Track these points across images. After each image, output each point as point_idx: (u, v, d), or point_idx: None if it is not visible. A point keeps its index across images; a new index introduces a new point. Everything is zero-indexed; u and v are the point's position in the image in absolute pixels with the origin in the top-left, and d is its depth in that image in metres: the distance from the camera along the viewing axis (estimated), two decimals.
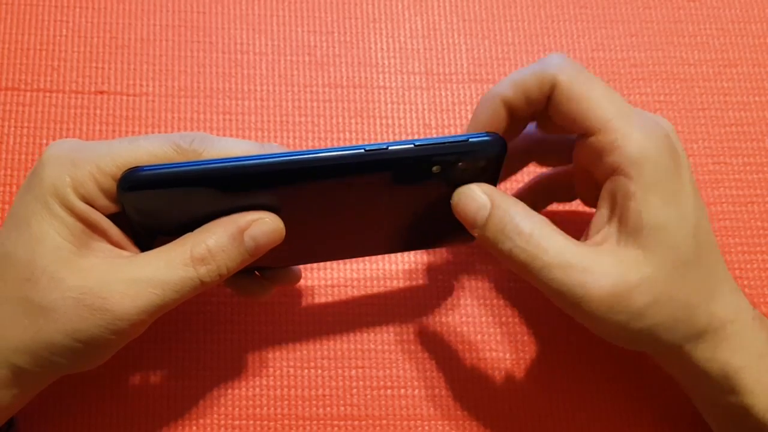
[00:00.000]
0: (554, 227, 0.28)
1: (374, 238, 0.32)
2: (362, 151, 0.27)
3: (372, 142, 0.28)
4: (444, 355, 0.37)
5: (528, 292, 0.38)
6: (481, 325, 0.37)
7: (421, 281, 0.38)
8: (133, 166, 0.27)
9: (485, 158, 0.28)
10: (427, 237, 0.33)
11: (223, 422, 0.35)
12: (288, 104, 0.40)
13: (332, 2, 0.43)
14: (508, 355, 0.37)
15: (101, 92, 0.40)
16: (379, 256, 0.38)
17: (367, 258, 0.38)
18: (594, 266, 0.27)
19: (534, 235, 0.28)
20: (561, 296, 0.27)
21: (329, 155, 0.27)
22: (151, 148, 0.27)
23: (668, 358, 0.30)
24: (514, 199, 0.29)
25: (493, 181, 0.30)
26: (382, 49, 0.42)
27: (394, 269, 0.38)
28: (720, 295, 0.29)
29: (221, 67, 0.41)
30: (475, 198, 0.29)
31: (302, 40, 0.42)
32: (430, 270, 0.38)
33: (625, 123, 0.28)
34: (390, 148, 0.27)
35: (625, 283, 0.27)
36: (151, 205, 0.27)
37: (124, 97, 0.40)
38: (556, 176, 0.36)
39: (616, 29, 0.43)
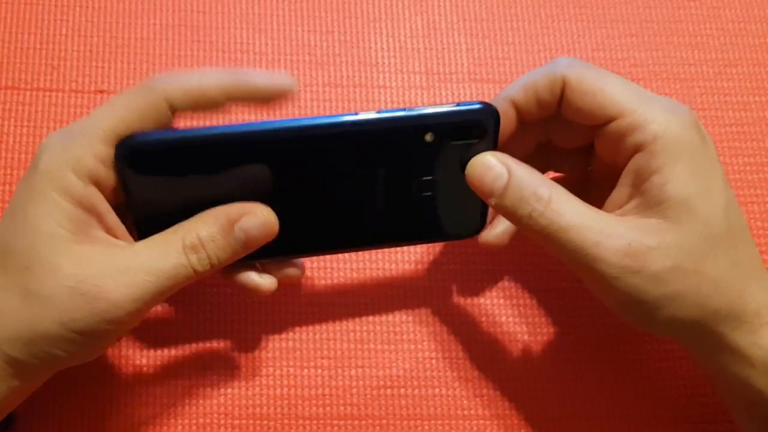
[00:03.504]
0: (570, 193, 0.28)
1: (375, 225, 0.32)
2: (354, 117, 0.27)
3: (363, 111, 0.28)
4: (444, 355, 0.36)
5: (528, 292, 0.38)
6: (482, 326, 0.37)
7: (420, 282, 0.38)
8: (116, 124, 0.27)
9: (479, 129, 0.28)
10: (431, 227, 0.33)
11: (223, 422, 0.35)
12: (288, 104, 0.40)
13: (332, 2, 0.42)
14: (508, 356, 0.37)
15: (101, 91, 0.40)
16: (379, 255, 0.38)
17: (366, 257, 0.38)
18: (610, 228, 0.27)
19: (552, 200, 0.28)
20: (575, 257, 0.27)
21: (322, 122, 0.27)
22: (127, 102, 0.27)
23: (700, 343, 0.29)
24: (529, 166, 0.29)
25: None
26: (382, 48, 0.42)
27: (394, 269, 0.38)
28: (757, 280, 0.28)
29: (221, 66, 0.41)
30: (492, 166, 0.28)
31: (302, 39, 0.42)
32: (430, 272, 0.38)
33: (645, 104, 0.28)
34: (381, 114, 0.27)
35: (642, 245, 0.27)
36: (147, 181, 0.27)
37: None
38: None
39: (616, 29, 0.43)
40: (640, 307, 0.28)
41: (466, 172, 0.29)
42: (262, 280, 0.31)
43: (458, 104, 0.28)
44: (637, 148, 0.28)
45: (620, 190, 0.29)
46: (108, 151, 0.27)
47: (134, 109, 0.27)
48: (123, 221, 0.29)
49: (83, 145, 0.27)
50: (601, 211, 0.28)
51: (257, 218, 0.28)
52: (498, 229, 0.33)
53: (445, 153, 0.28)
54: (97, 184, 0.27)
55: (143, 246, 0.28)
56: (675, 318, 0.28)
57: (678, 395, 0.36)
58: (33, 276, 0.26)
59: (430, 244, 0.38)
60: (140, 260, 0.27)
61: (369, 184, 0.30)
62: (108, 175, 0.27)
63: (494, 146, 0.29)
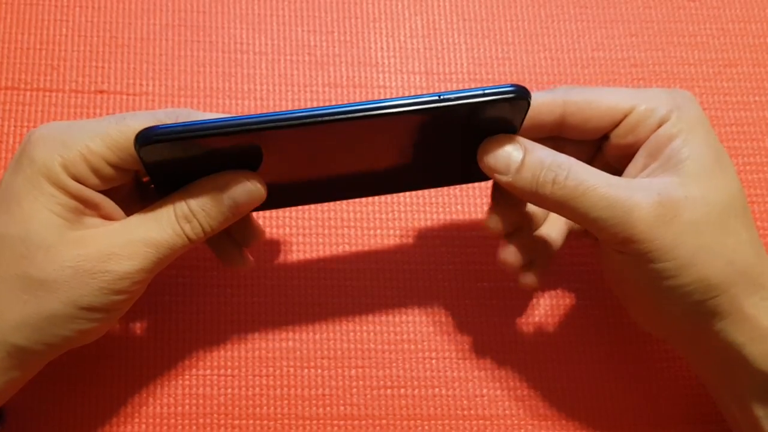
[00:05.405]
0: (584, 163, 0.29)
1: (380, 177, 0.32)
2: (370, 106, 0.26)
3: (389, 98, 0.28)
4: (444, 355, 0.36)
5: (528, 293, 0.38)
6: (481, 326, 0.37)
7: (420, 282, 0.38)
8: (123, 146, 0.27)
9: (510, 110, 0.28)
10: (435, 176, 0.33)
11: (223, 422, 0.35)
12: (288, 104, 0.40)
13: (332, 2, 0.42)
14: (508, 356, 0.37)
15: (101, 92, 0.40)
16: (379, 254, 0.38)
17: (366, 257, 0.38)
18: (636, 184, 0.28)
19: (573, 164, 0.28)
20: (609, 215, 0.27)
21: (341, 114, 0.26)
22: (139, 128, 0.27)
23: (718, 315, 0.28)
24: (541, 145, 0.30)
25: (516, 129, 0.29)
26: (382, 48, 0.42)
27: (394, 268, 0.38)
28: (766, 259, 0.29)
29: (221, 66, 0.41)
30: (505, 145, 0.29)
31: (302, 39, 0.42)
32: (430, 272, 0.38)
33: (646, 94, 0.30)
34: (411, 104, 0.26)
35: (671, 196, 0.27)
36: (164, 155, 0.27)
37: (124, 97, 0.40)
38: None
39: (616, 29, 0.43)
40: (674, 264, 0.27)
41: (478, 155, 0.29)
42: (239, 256, 0.33)
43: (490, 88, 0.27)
44: (660, 122, 0.29)
45: (635, 163, 0.30)
46: (103, 165, 0.27)
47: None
48: (120, 204, 0.29)
49: (82, 152, 0.27)
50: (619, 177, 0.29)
51: (244, 186, 0.28)
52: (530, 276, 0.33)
53: (473, 124, 0.28)
54: (86, 183, 0.28)
55: (140, 219, 0.28)
56: (703, 277, 0.27)
57: (678, 395, 0.36)
58: (32, 263, 0.26)
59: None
60: (139, 233, 0.27)
61: (382, 151, 0.30)
62: (96, 184, 0.28)
63: (521, 122, 0.29)
